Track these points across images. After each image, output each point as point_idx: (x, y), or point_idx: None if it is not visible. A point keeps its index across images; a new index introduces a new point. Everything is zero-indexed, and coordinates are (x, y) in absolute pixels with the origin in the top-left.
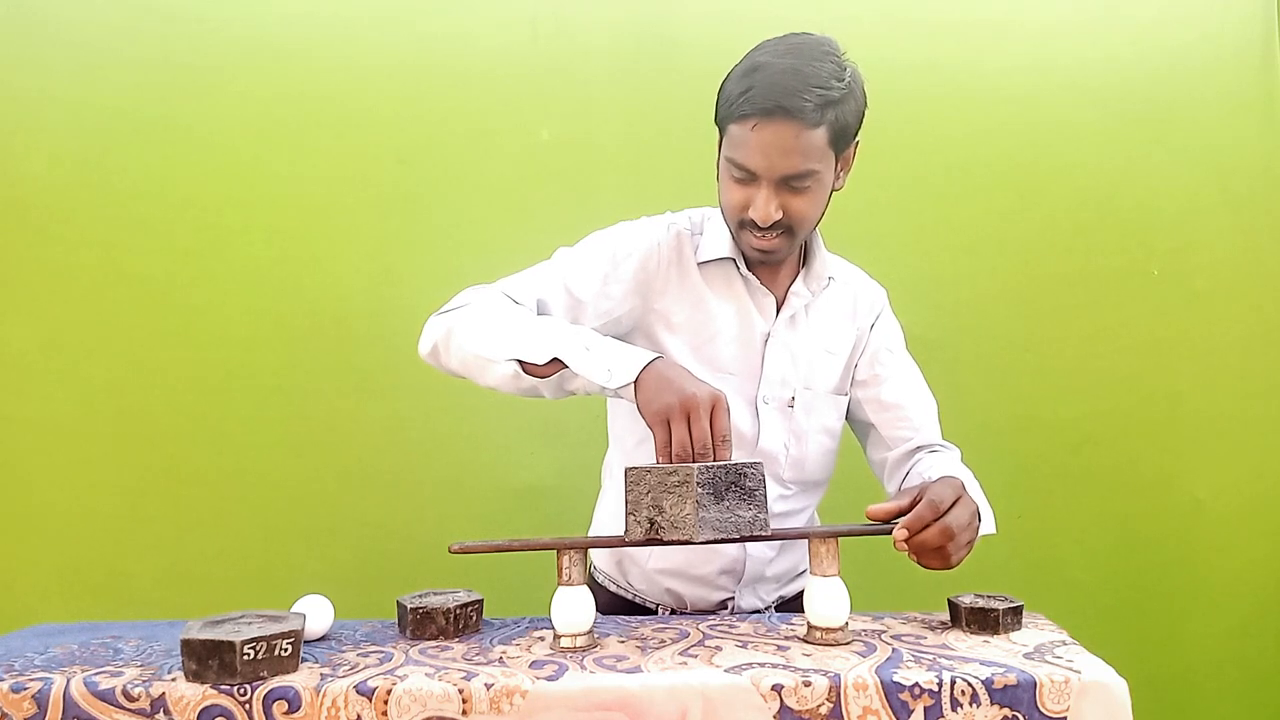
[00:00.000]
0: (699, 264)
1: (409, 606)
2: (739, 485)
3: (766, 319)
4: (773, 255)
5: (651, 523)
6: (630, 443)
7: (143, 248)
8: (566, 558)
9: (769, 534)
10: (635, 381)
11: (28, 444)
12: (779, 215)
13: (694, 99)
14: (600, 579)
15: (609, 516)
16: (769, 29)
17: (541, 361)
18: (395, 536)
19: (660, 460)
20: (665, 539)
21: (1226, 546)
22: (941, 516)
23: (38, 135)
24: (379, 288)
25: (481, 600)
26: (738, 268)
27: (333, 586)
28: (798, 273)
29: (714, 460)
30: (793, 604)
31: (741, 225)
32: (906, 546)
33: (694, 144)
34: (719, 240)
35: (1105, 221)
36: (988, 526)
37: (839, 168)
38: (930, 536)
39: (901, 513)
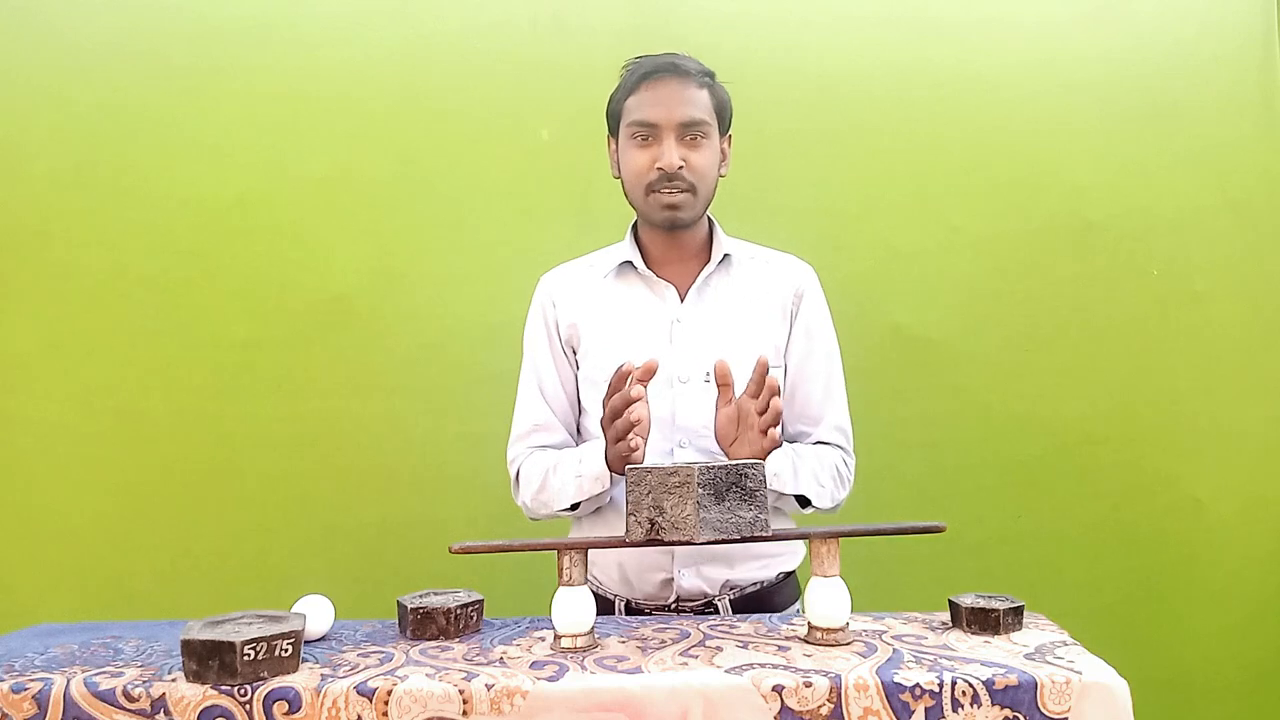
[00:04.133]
0: (604, 276)
1: (409, 606)
2: (740, 485)
3: (670, 306)
4: (680, 212)
5: (652, 523)
6: None
7: (143, 248)
8: (567, 558)
9: (769, 534)
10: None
11: (28, 444)
12: (682, 164)
13: None
14: None
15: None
16: (769, 29)
17: (567, 507)
18: (395, 536)
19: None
20: (666, 539)
21: (1226, 546)
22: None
23: (38, 135)
24: (379, 287)
25: (482, 600)
26: (635, 269)
27: (333, 586)
28: (703, 265)
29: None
30: (752, 599)
31: (650, 189)
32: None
33: None
34: (618, 252)
35: (1105, 221)
36: (820, 501)
37: (721, 152)
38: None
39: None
